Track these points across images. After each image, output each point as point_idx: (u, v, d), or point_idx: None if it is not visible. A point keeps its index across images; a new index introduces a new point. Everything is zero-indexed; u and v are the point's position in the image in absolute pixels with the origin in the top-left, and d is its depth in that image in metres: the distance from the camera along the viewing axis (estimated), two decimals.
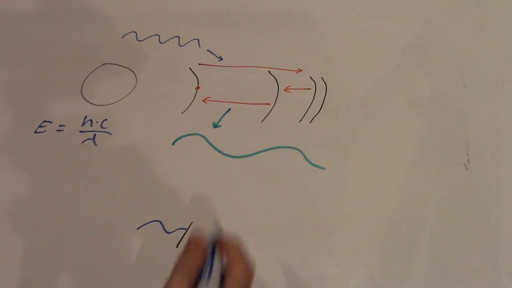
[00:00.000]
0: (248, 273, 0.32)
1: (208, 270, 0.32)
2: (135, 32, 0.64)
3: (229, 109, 0.56)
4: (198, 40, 0.63)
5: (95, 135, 0.54)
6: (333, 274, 0.45)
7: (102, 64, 0.61)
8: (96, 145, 0.54)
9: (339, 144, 0.53)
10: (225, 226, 0.47)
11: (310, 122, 0.55)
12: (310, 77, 0.58)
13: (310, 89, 0.57)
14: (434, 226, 0.47)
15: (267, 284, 0.45)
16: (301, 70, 0.59)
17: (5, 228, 0.49)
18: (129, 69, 0.60)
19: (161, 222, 0.48)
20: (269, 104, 0.56)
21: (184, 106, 0.57)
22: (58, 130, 0.55)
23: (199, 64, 0.60)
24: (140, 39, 0.63)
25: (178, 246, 0.47)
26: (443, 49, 0.61)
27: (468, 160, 0.51)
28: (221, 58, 0.61)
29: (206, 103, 0.57)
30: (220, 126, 0.55)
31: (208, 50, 0.62)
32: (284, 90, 0.58)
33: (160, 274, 0.45)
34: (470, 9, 0.64)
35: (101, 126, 0.55)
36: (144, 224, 0.48)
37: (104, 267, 0.46)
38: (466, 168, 0.51)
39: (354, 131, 0.54)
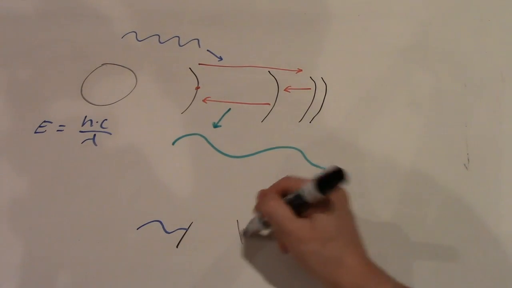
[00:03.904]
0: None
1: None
2: (135, 32, 0.64)
3: (229, 109, 0.56)
4: (198, 40, 0.63)
5: (95, 135, 0.54)
6: None
7: (102, 64, 0.61)
8: (96, 145, 0.54)
9: (339, 144, 0.53)
10: (225, 226, 0.48)
11: (310, 122, 0.55)
12: (310, 77, 0.58)
13: (310, 89, 0.57)
14: (434, 226, 0.47)
15: (267, 284, 0.45)
16: (301, 70, 0.59)
17: (5, 228, 0.48)
18: (129, 69, 0.60)
19: (161, 222, 0.48)
20: (269, 104, 0.56)
21: (184, 106, 0.57)
22: (58, 130, 0.55)
23: (199, 64, 0.60)
24: (140, 39, 0.63)
25: (178, 246, 0.47)
26: (443, 49, 0.61)
27: (468, 160, 0.51)
28: (221, 58, 0.61)
29: (206, 103, 0.57)
30: (220, 126, 0.55)
31: (208, 50, 0.62)
32: (284, 90, 0.58)
33: (160, 274, 0.45)
34: (470, 9, 0.65)
35: (101, 126, 0.55)
36: (144, 224, 0.48)
37: (104, 267, 0.46)
38: (466, 168, 0.51)
39: (354, 131, 0.54)
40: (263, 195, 0.41)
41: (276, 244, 0.47)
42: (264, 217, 0.41)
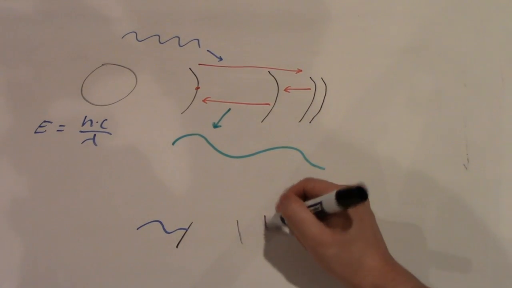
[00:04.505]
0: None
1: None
2: (135, 32, 0.64)
3: (229, 109, 0.56)
4: (198, 40, 0.63)
5: (95, 135, 0.54)
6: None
7: (102, 64, 0.61)
8: (96, 145, 0.54)
9: (339, 144, 0.53)
10: (225, 226, 0.48)
11: (310, 122, 0.55)
12: (310, 77, 0.58)
13: (310, 89, 0.57)
14: (434, 226, 0.47)
15: (267, 284, 0.45)
16: (301, 70, 0.59)
17: (5, 228, 0.49)
18: (129, 69, 0.60)
19: (161, 222, 0.48)
20: (269, 104, 0.56)
21: (184, 106, 0.57)
22: (58, 130, 0.55)
23: (199, 64, 0.60)
24: (140, 39, 0.63)
25: (178, 246, 0.47)
26: (443, 49, 0.61)
27: (468, 160, 0.51)
28: (221, 58, 0.61)
29: (206, 103, 0.57)
30: (220, 126, 0.55)
31: (208, 50, 0.62)
32: (284, 90, 0.58)
33: (160, 274, 0.46)
34: (470, 9, 0.64)
35: (101, 126, 0.55)
36: (144, 224, 0.48)
37: (104, 267, 0.46)
38: (466, 168, 0.51)
39: (354, 131, 0.54)
40: (285, 197, 0.41)
41: (275, 244, 0.47)
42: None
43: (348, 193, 0.35)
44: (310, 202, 0.38)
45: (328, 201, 0.36)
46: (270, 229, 0.47)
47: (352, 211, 0.37)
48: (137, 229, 0.48)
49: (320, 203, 0.37)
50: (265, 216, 0.48)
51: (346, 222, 0.37)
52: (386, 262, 0.37)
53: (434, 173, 0.51)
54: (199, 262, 0.46)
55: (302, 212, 0.37)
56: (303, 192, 0.41)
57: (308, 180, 0.41)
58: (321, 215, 0.37)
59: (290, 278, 0.45)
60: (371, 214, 0.39)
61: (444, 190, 0.50)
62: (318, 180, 0.40)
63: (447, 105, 0.56)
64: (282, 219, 0.42)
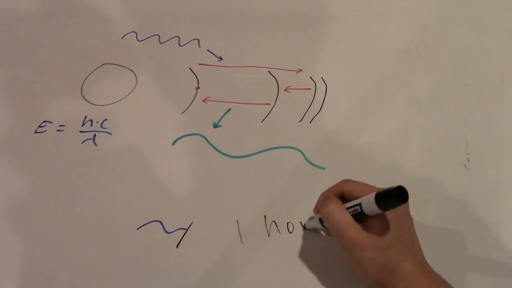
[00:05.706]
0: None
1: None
2: (135, 32, 0.64)
3: (229, 109, 0.56)
4: (198, 40, 0.63)
5: (95, 135, 0.54)
6: (333, 274, 0.45)
7: (102, 64, 0.61)
8: (96, 145, 0.54)
9: (339, 144, 0.53)
10: (225, 226, 0.48)
11: (310, 122, 0.55)
12: (310, 77, 0.58)
13: (310, 89, 0.57)
14: (434, 226, 0.47)
15: (267, 284, 0.45)
16: (301, 70, 0.59)
17: (5, 228, 0.49)
18: (129, 69, 0.60)
19: (161, 222, 0.48)
20: (269, 104, 0.56)
21: (184, 106, 0.57)
22: (58, 130, 0.55)
23: (199, 64, 0.60)
24: (140, 39, 0.63)
25: (178, 246, 0.47)
26: (443, 49, 0.61)
27: (468, 160, 0.51)
28: (221, 58, 0.61)
29: (206, 103, 0.57)
30: (220, 126, 0.55)
31: (208, 50, 0.62)
32: (284, 90, 0.58)
33: (160, 274, 0.46)
34: (470, 9, 0.65)
35: (101, 126, 0.55)
36: (144, 224, 0.48)
37: (104, 267, 0.46)
38: (466, 168, 0.51)
39: (354, 131, 0.54)
40: (324, 198, 0.41)
41: (275, 244, 0.47)
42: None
43: (388, 195, 0.34)
44: (349, 204, 0.38)
45: (368, 202, 0.36)
46: (308, 230, 0.47)
47: (391, 215, 0.37)
48: (137, 229, 0.48)
49: (360, 204, 0.37)
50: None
51: (384, 225, 0.37)
52: (422, 269, 0.37)
53: (434, 173, 0.51)
54: (199, 262, 0.46)
55: (340, 213, 0.37)
56: (342, 193, 0.40)
57: (346, 182, 0.41)
58: (360, 216, 0.37)
59: (290, 278, 0.45)
60: (409, 219, 0.39)
61: (444, 190, 0.50)
62: (357, 182, 0.40)
63: (447, 105, 0.56)
64: (321, 222, 0.42)
